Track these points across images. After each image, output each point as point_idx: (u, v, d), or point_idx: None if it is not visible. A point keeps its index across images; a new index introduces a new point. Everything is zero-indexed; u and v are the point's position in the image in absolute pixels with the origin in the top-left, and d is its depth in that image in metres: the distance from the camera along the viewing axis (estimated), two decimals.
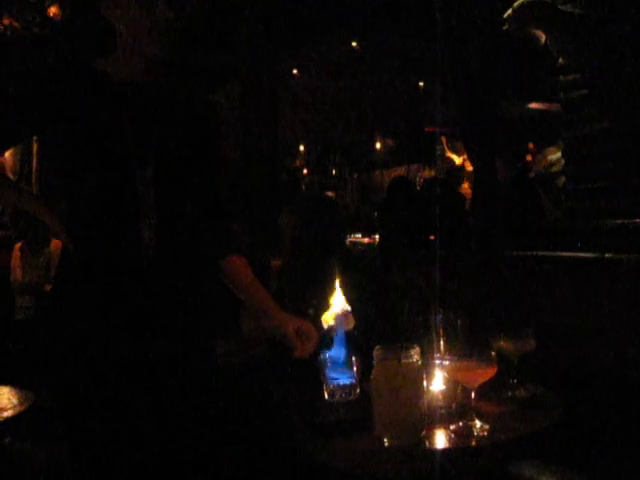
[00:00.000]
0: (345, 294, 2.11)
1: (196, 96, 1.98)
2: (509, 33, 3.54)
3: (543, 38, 3.47)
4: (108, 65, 1.85)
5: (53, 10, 6.18)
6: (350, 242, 7.82)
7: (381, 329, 2.27)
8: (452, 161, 10.02)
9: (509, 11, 3.43)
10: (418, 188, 7.56)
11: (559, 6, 3.36)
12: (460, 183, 7.60)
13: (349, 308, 2.08)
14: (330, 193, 11.87)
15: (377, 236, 7.16)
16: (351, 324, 2.07)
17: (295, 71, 8.94)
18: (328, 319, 2.07)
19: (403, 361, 1.73)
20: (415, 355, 1.76)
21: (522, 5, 3.39)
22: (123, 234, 1.79)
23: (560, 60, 3.49)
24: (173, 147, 1.84)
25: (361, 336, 2.07)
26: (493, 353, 1.82)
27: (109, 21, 1.83)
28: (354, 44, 8.02)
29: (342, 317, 2.06)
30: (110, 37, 1.85)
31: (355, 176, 14.23)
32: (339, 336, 2.04)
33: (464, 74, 5.06)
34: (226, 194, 2.06)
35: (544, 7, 3.38)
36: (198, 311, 1.90)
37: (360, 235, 8.15)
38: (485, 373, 1.83)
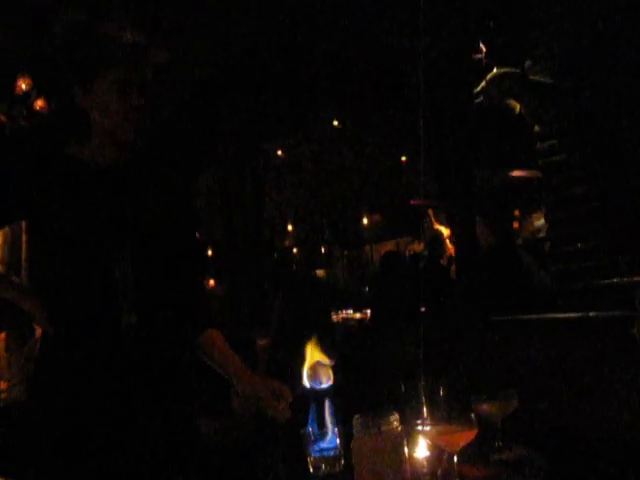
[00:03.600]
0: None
1: (171, 179, 2.01)
2: (483, 105, 3.62)
3: (517, 107, 3.55)
4: (83, 151, 1.88)
5: (39, 103, 6.31)
6: (342, 318, 7.77)
7: (363, 397, 2.24)
8: (441, 233, 10.06)
9: (482, 83, 3.51)
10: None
11: (530, 77, 3.45)
12: (442, 254, 7.59)
13: (327, 362, 2.04)
14: (320, 271, 11.88)
15: (368, 311, 7.12)
16: (329, 379, 2.02)
17: (279, 152, 9.08)
18: (306, 373, 2.03)
19: (383, 428, 1.70)
20: (395, 422, 1.73)
21: (494, 77, 3.47)
22: (104, 315, 1.79)
23: (536, 128, 3.56)
24: (148, 229, 1.86)
25: (344, 405, 2.04)
26: (472, 415, 1.80)
27: (83, 108, 1.87)
28: (335, 123, 8.18)
29: (320, 371, 2.02)
30: (84, 124, 1.88)
31: (345, 253, 14.28)
32: (322, 405, 2.01)
33: (442, 147, 5.14)
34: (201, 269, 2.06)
35: (516, 78, 3.47)
36: (180, 390, 1.88)
37: (352, 311, 8.10)
38: (465, 436, 1.79)
